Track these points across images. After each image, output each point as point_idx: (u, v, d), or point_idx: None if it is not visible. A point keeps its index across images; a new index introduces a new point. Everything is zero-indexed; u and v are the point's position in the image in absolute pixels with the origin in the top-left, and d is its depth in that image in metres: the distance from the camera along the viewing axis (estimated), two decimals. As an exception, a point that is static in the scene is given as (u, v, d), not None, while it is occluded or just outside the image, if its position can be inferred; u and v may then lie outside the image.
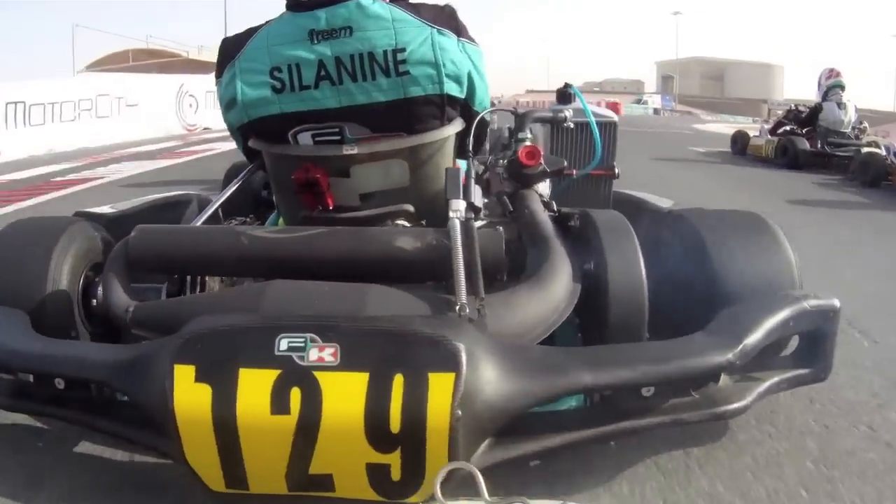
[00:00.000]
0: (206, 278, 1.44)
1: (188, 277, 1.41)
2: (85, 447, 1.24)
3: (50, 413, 1.14)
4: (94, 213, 1.80)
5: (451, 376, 0.84)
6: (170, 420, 0.88)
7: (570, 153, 2.00)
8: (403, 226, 1.43)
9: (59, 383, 1.08)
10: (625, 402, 1.03)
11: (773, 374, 1.19)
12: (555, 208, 1.53)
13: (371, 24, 1.31)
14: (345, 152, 1.37)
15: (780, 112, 8.00)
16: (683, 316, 1.27)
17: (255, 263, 1.20)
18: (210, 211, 1.57)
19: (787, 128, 7.50)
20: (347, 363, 0.85)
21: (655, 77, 67.19)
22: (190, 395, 0.87)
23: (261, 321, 0.91)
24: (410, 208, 1.44)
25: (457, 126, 1.45)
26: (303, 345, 0.86)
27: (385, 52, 1.31)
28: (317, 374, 0.85)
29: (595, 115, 1.84)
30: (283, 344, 0.87)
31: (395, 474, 0.86)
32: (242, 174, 1.72)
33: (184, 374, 0.88)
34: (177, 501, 1.06)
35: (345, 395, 0.84)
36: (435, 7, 1.43)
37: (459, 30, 1.41)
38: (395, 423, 0.83)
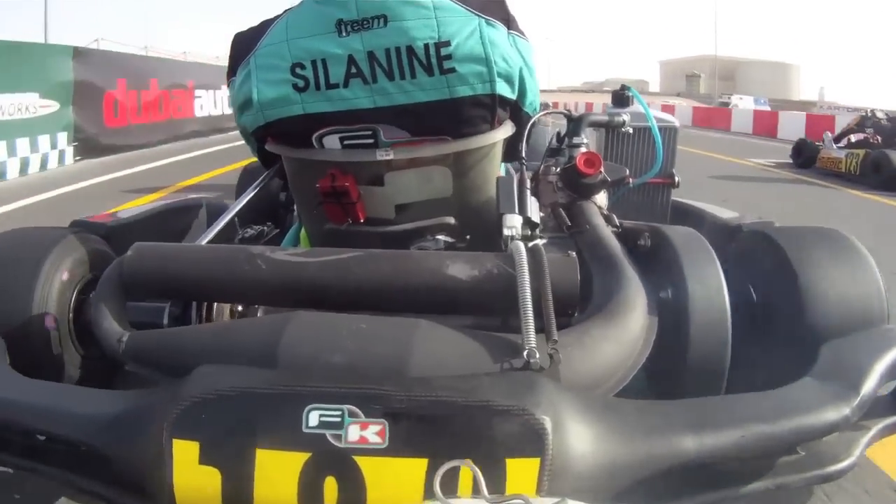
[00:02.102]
0: (209, 306, 1.25)
1: (193, 303, 1.21)
2: None
3: (27, 467, 0.95)
4: (92, 222, 1.62)
5: (535, 462, 0.66)
6: (169, 500, 0.72)
7: (625, 160, 1.81)
8: (445, 241, 1.25)
9: (41, 435, 0.90)
10: (725, 465, 0.87)
11: (877, 421, 1.03)
12: (617, 223, 1.33)
13: (409, 12, 1.12)
14: (379, 158, 1.19)
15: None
16: (769, 341, 1.13)
17: (274, 291, 1.00)
18: (222, 223, 1.37)
19: (859, 137, 6.60)
20: (399, 446, 0.66)
21: (659, 76, 66.20)
22: (194, 478, 0.71)
23: (283, 386, 0.71)
24: (452, 221, 1.26)
25: (507, 130, 1.26)
26: (339, 420, 0.68)
27: (426, 45, 1.12)
28: (358, 458, 0.66)
29: (655, 119, 1.64)
30: (314, 418, 0.68)
31: None
32: (258, 182, 1.53)
33: (185, 452, 0.71)
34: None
35: (396, 486, 0.65)
36: None
37: (510, 21, 1.22)
38: None
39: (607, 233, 1.22)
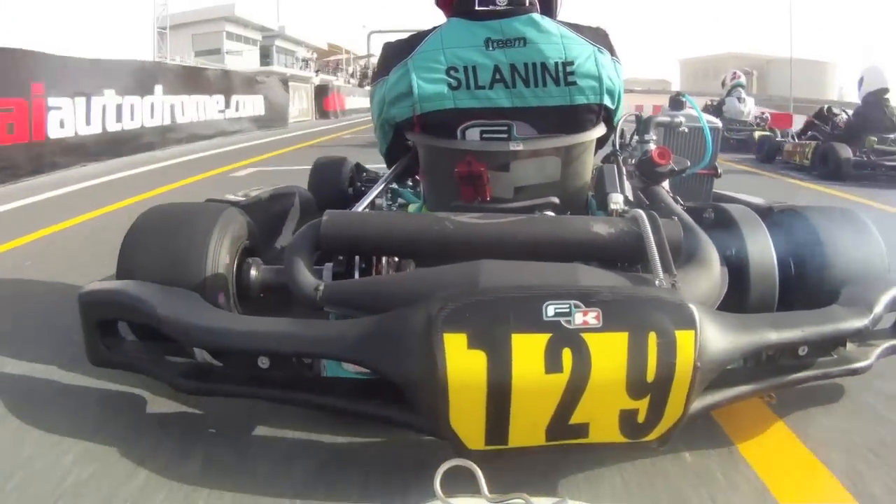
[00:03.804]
0: (379, 261, 1.51)
1: (356, 260, 1.46)
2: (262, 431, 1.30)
3: (246, 393, 1.19)
4: (231, 200, 1.91)
5: (692, 333, 0.99)
6: (439, 387, 0.95)
7: (679, 153, 2.16)
8: (550, 215, 1.56)
9: (263, 362, 1.14)
10: (785, 360, 1.26)
11: (882, 342, 1.41)
12: (681, 202, 1.69)
13: (543, 38, 1.47)
14: (511, 148, 1.51)
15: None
16: (803, 293, 1.48)
17: (459, 246, 1.31)
18: (366, 202, 1.69)
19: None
20: (609, 325, 0.98)
21: (679, 75, 64.91)
22: (464, 361, 0.95)
23: (526, 291, 1.02)
24: (556, 200, 1.59)
25: (601, 129, 1.61)
26: (568, 310, 0.98)
27: (556, 63, 1.47)
28: (584, 335, 0.97)
29: (698, 119, 2.03)
30: (551, 310, 0.98)
31: (641, 417, 1.01)
32: (392, 169, 1.84)
33: (455, 343, 0.96)
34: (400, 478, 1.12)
35: (609, 352, 0.97)
36: (591, 28, 1.60)
37: (613, 50, 1.59)
38: (651, 374, 0.98)
39: (679, 209, 1.57)
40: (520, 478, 1.11)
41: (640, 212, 1.32)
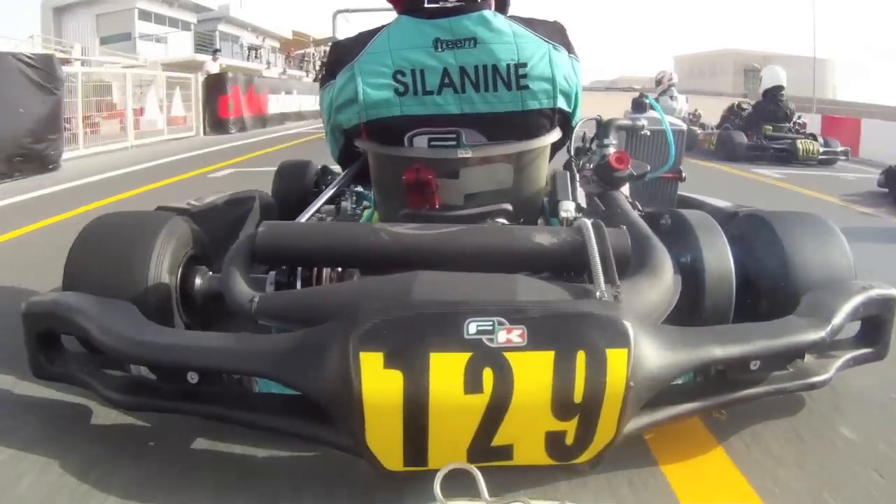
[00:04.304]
0: (320, 272, 1.47)
1: (298, 270, 1.43)
2: (200, 444, 1.26)
3: (173, 409, 1.16)
4: (179, 207, 1.86)
5: (625, 352, 0.94)
6: (354, 406, 0.93)
7: (642, 157, 2.13)
8: (502, 223, 1.50)
9: (193, 377, 1.11)
10: (736, 375, 1.19)
11: (844, 353, 1.36)
12: (640, 208, 1.64)
13: (495, 37, 1.38)
14: (459, 156, 1.45)
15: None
16: (763, 301, 1.44)
17: (396, 257, 1.27)
18: (313, 209, 1.64)
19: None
20: (534, 343, 0.93)
21: (674, 72, 64.50)
22: (379, 381, 0.92)
23: (447, 307, 0.97)
24: (509, 207, 1.52)
25: (557, 134, 1.55)
26: (491, 328, 0.94)
27: (508, 65, 1.38)
28: (507, 354, 0.93)
29: (669, 123, 1.97)
30: (472, 328, 0.93)
31: (569, 439, 0.97)
32: (345, 173, 1.79)
33: (371, 362, 0.93)
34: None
35: (534, 372, 0.93)
36: (547, 23, 1.52)
37: (570, 46, 1.50)
38: (579, 395, 0.93)
39: (635, 215, 1.52)
40: (520, 480, 1.10)
41: (585, 221, 1.26)
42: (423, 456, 0.97)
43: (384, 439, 0.96)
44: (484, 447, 0.96)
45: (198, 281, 1.49)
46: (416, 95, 1.40)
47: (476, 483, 0.73)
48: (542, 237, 1.26)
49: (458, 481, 0.76)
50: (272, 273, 1.41)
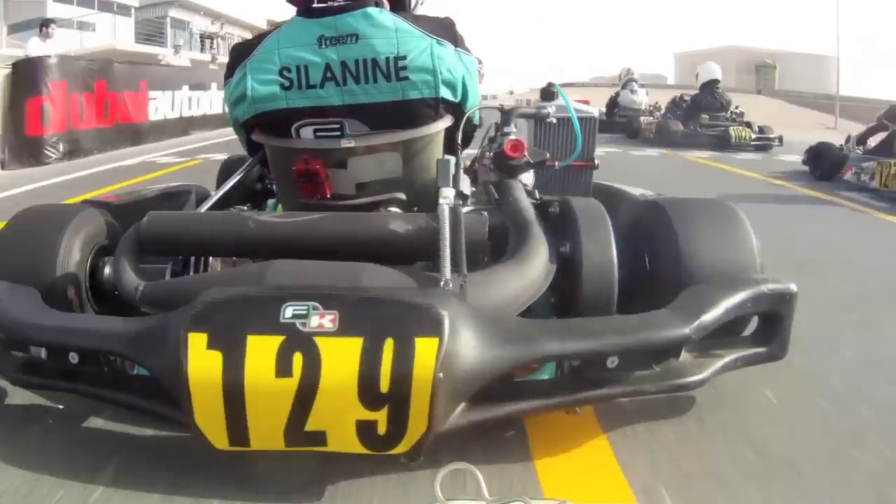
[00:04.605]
0: (210, 260, 1.54)
1: (192, 259, 1.51)
2: (94, 423, 1.31)
3: (63, 388, 1.21)
4: (102, 201, 1.90)
5: (434, 341, 0.94)
6: (183, 385, 0.96)
7: (552, 146, 2.12)
8: (396, 212, 1.52)
9: (73, 358, 1.15)
10: (592, 372, 1.14)
11: (731, 352, 1.28)
12: (537, 196, 1.63)
13: (376, 33, 1.43)
14: (343, 145, 1.49)
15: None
16: (655, 294, 1.36)
17: (260, 245, 1.31)
18: (212, 201, 1.67)
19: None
20: (345, 329, 0.95)
21: (674, 69, 60.33)
22: (202, 361, 0.96)
23: (268, 291, 1.00)
24: (402, 196, 1.55)
25: (446, 122, 1.56)
26: (305, 312, 0.96)
27: (387, 58, 1.43)
28: (316, 339, 0.94)
29: (576, 111, 1.95)
30: (288, 312, 0.96)
31: (381, 429, 0.96)
32: (243, 167, 1.82)
33: (197, 342, 0.96)
34: (180, 475, 1.12)
35: (341, 358, 0.94)
36: (435, 19, 1.55)
37: (457, 40, 1.54)
38: (385, 384, 0.93)
39: (525, 204, 1.50)
40: (520, 480, 1.12)
41: (445, 207, 1.27)
42: (245, 436, 0.98)
43: (210, 418, 0.98)
44: (298, 432, 0.97)
45: (106, 270, 1.51)
46: (301, 89, 1.46)
47: (476, 482, 0.73)
48: (398, 224, 1.28)
49: (458, 481, 0.78)
50: (170, 263, 1.46)
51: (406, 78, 1.44)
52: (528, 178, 1.76)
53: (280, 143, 1.55)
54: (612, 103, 11.18)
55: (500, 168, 1.66)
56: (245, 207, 2.00)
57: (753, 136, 8.46)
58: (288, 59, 1.46)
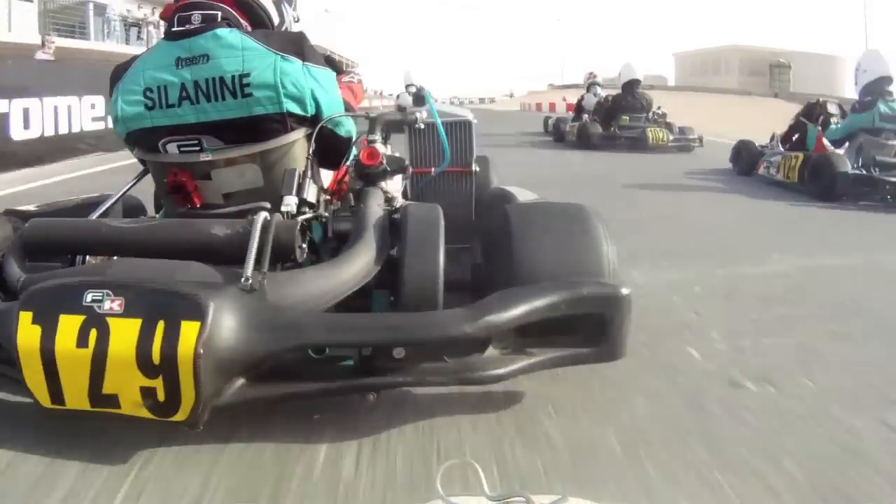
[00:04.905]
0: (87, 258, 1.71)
1: (77, 258, 1.67)
2: None
3: None
4: (20, 210, 2.10)
5: (197, 324, 1.15)
6: (15, 353, 1.19)
7: (430, 152, 2.21)
8: (224, 220, 1.61)
9: None
10: (380, 362, 1.29)
11: (548, 352, 1.36)
12: (397, 203, 1.77)
13: (224, 52, 1.57)
14: (202, 159, 1.63)
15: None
16: (491, 293, 1.41)
17: (113, 247, 1.53)
18: (100, 210, 1.83)
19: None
20: (129, 311, 1.17)
21: (674, 70, 58.90)
22: (27, 334, 1.19)
23: (77, 281, 1.23)
24: (267, 205, 1.66)
25: (299, 134, 1.68)
26: (101, 297, 1.19)
27: (233, 76, 1.55)
28: (108, 318, 1.17)
29: (449, 115, 2.07)
30: (89, 297, 1.19)
31: (161, 397, 1.17)
32: (131, 180, 1.99)
33: (25, 319, 1.19)
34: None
35: (124, 334, 1.16)
36: (285, 35, 1.69)
37: (304, 55, 1.63)
38: (157, 357, 1.15)
39: (374, 211, 1.64)
40: (521, 476, 1.19)
41: (261, 215, 1.43)
42: (61, 396, 1.20)
43: (35, 380, 1.20)
44: (98, 394, 1.18)
45: None
46: (162, 109, 1.60)
47: (477, 479, 0.73)
48: (219, 230, 1.45)
49: (458, 478, 0.83)
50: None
51: (250, 94, 1.55)
52: (393, 184, 1.90)
53: (152, 157, 1.71)
54: (578, 107, 11.32)
55: (360, 176, 1.80)
56: (155, 216, 2.18)
57: (672, 137, 8.74)
58: (151, 80, 1.59)
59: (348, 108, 2.05)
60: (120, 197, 1.91)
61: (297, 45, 1.63)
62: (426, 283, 1.45)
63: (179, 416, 1.18)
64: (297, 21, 1.96)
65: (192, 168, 1.66)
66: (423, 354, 1.29)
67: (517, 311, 1.29)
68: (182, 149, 1.66)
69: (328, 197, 1.75)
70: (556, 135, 10.47)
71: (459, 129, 2.21)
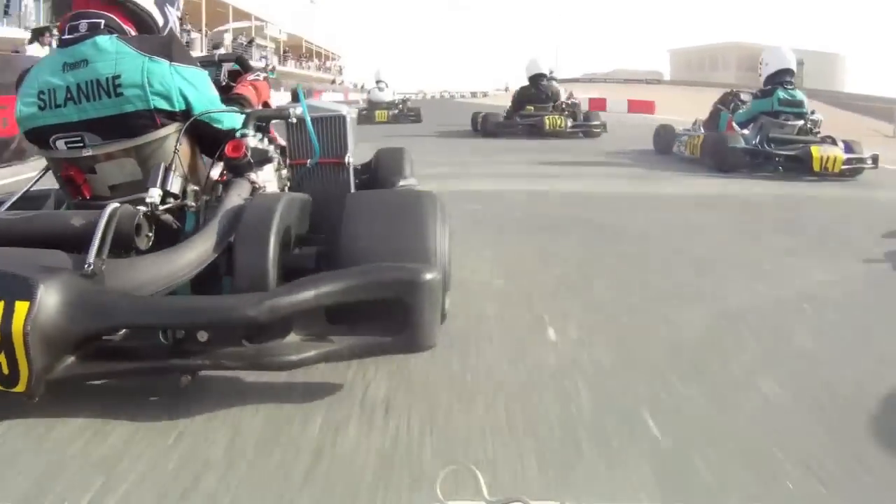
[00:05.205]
0: None
1: None
2: None
3: None
4: None
5: (27, 304, 1.29)
6: None
7: (306, 146, 2.35)
8: (82, 211, 1.76)
9: None
10: (188, 345, 1.43)
11: (348, 339, 1.42)
12: (254, 194, 1.94)
13: (100, 56, 1.75)
14: (83, 154, 1.82)
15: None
16: None
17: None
18: (7, 204, 2.01)
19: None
20: None
21: (669, 66, 59.69)
22: None
23: None
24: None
25: (170, 129, 1.84)
26: None
27: (107, 78, 1.74)
28: None
29: (323, 110, 2.24)
30: None
31: (5, 370, 1.32)
32: (37, 174, 2.19)
33: None
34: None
35: None
36: (155, 38, 1.86)
37: (172, 56, 1.80)
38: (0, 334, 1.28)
39: (228, 201, 1.81)
40: (520, 481, 1.23)
41: (113, 205, 1.61)
42: None
43: None
44: None
45: None
46: (51, 109, 1.81)
47: (477, 483, 0.73)
48: (76, 220, 1.62)
49: (458, 481, 0.83)
50: None
51: (122, 94, 1.74)
52: (264, 174, 2.07)
53: (47, 153, 1.91)
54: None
55: (227, 167, 1.99)
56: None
57: (570, 123, 9.89)
58: (43, 83, 1.78)
59: (247, 104, 2.28)
60: (25, 191, 2.11)
61: (165, 47, 1.81)
62: (255, 269, 1.55)
63: (20, 388, 1.32)
64: (181, 18, 2.15)
65: (78, 163, 1.85)
66: (225, 339, 1.38)
67: (306, 294, 1.35)
68: (68, 145, 1.85)
69: (196, 188, 1.95)
70: (473, 126, 11.37)
71: (333, 124, 2.36)
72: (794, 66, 6.62)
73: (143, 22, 1.93)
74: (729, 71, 52.26)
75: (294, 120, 2.17)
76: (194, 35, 20.73)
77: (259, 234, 1.59)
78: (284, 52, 35.27)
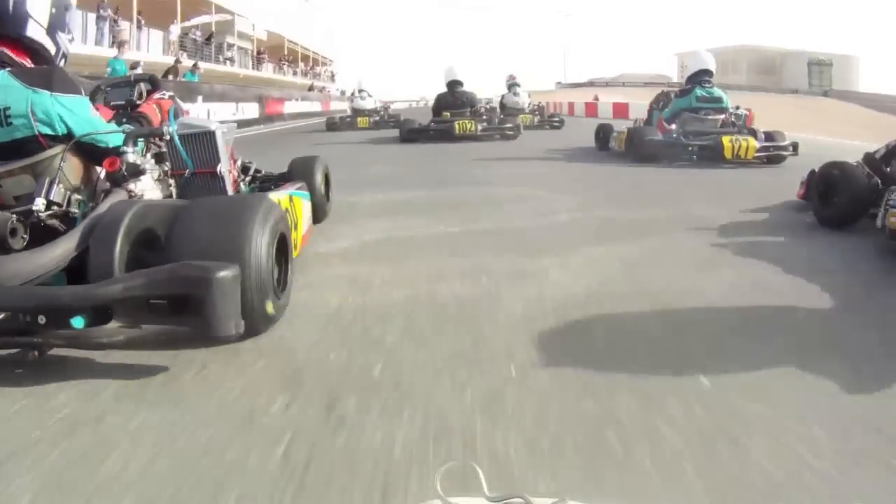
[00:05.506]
0: None
1: None
2: None
3: None
4: None
5: None
6: None
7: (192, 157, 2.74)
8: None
9: None
10: (32, 326, 1.67)
11: (153, 328, 1.62)
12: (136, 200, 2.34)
13: None
14: None
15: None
16: None
17: None
18: None
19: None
20: None
21: (677, 70, 58.18)
22: None
23: None
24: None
25: (57, 150, 2.13)
26: None
27: (2, 110, 2.05)
28: None
29: (191, 126, 2.67)
30: None
31: None
32: None
33: None
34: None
35: None
36: (38, 70, 2.15)
37: (52, 86, 2.08)
38: None
39: (104, 207, 2.09)
40: (520, 477, 1.24)
41: (7, 216, 1.92)
42: None
43: None
44: None
45: None
46: None
47: (477, 479, 0.72)
48: None
49: (459, 477, 0.84)
50: None
51: (11, 123, 2.03)
52: (145, 184, 2.48)
53: None
54: (501, 105, 13.77)
55: (107, 179, 2.39)
56: None
57: (480, 127, 10.45)
58: None
59: (146, 121, 2.74)
60: None
61: (46, 79, 2.09)
62: (102, 265, 1.82)
63: None
64: (72, 41, 2.47)
65: None
66: (56, 322, 1.62)
67: (115, 287, 1.62)
68: None
69: (80, 197, 2.41)
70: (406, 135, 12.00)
71: (204, 139, 2.73)
72: (712, 67, 7.43)
73: (37, 52, 2.22)
74: (740, 74, 51.39)
75: (168, 137, 2.59)
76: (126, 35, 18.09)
77: (108, 235, 1.87)
78: (259, 52, 31.17)
